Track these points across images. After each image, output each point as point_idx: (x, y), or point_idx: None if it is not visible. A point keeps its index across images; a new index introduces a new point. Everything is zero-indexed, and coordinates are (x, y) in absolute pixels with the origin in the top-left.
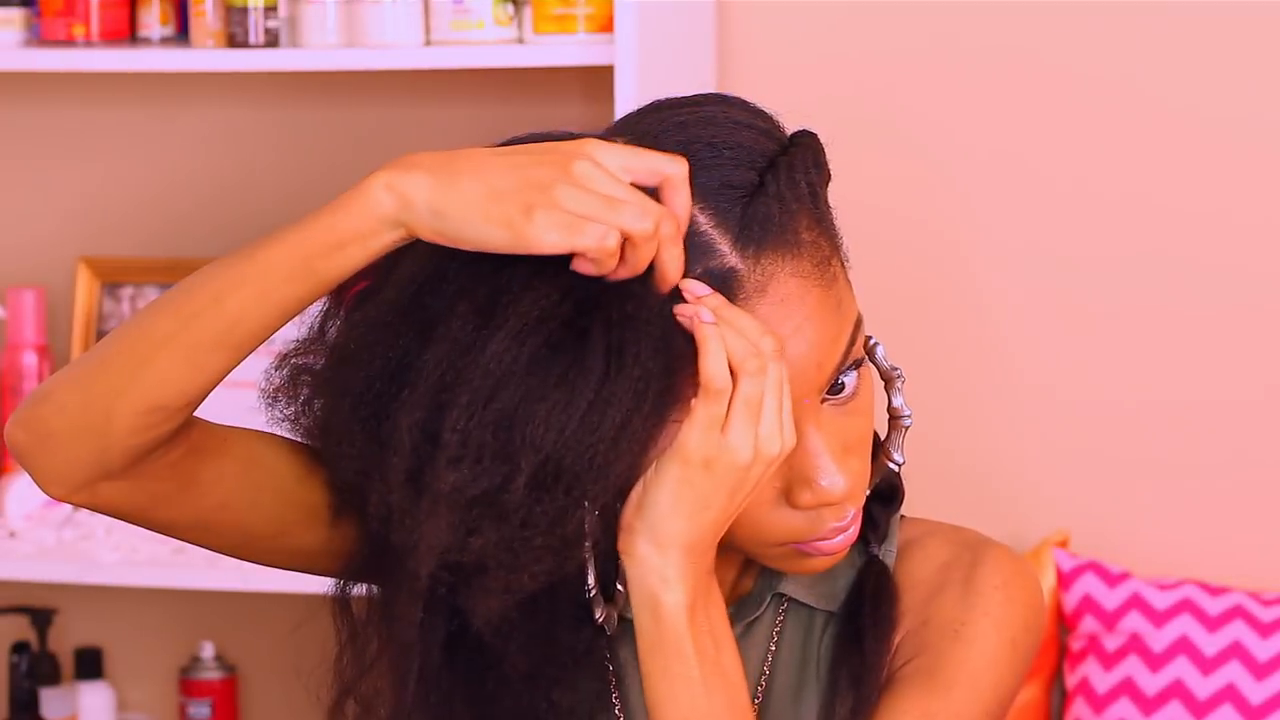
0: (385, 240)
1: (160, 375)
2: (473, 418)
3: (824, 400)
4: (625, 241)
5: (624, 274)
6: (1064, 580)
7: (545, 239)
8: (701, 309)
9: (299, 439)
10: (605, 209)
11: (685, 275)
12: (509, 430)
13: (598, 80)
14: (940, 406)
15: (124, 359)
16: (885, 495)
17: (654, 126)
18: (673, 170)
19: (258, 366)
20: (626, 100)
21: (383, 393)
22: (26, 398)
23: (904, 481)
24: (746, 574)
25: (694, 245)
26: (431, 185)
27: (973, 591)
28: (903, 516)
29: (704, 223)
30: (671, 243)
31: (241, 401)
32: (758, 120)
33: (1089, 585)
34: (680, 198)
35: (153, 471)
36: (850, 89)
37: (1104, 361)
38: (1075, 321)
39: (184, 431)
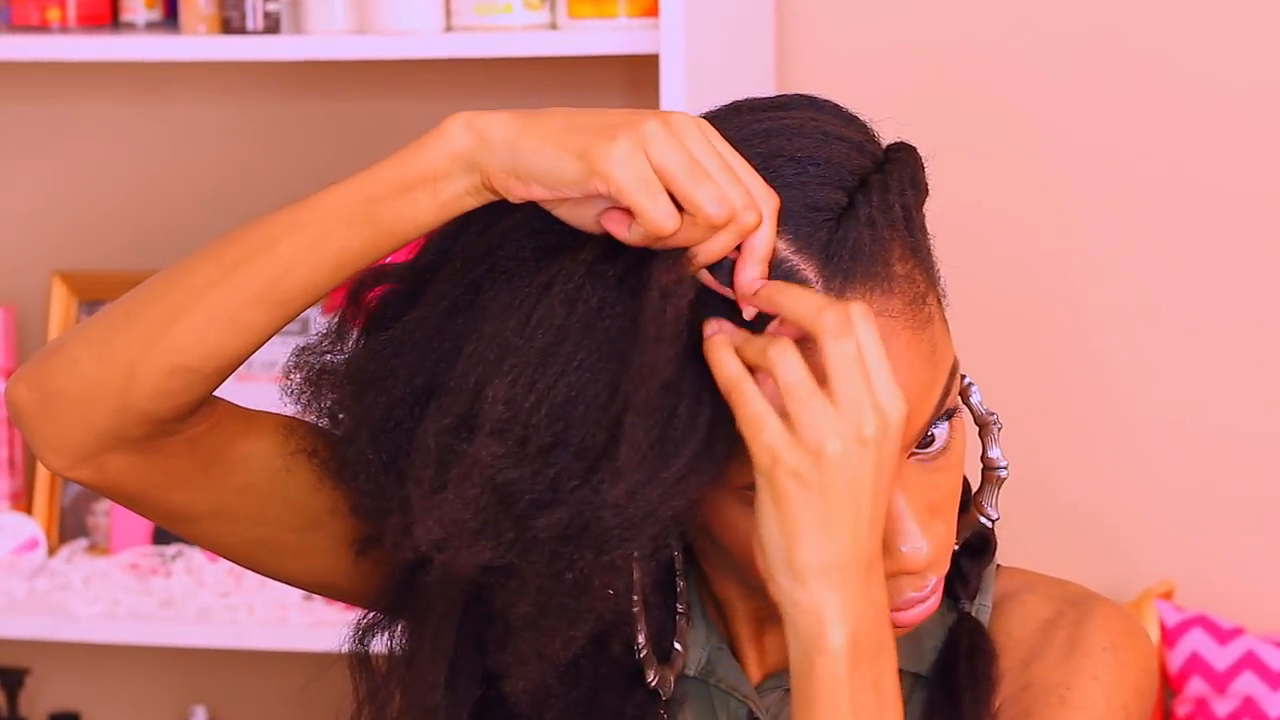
0: (457, 188)
1: (193, 330)
2: (518, 385)
3: (910, 455)
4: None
5: (661, 247)
6: (1169, 637)
7: (617, 171)
8: (707, 323)
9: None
10: (686, 173)
11: None
12: (563, 409)
13: (641, 71)
14: (1030, 439)
15: (154, 309)
16: (975, 548)
17: (732, 134)
18: (764, 197)
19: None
20: (674, 94)
21: (404, 420)
22: (36, 353)
23: (996, 523)
24: None
25: (773, 273)
26: (512, 124)
27: (1079, 653)
28: (998, 566)
29: (783, 248)
30: (736, 237)
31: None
32: (850, 131)
33: (1197, 642)
34: (764, 229)
35: (170, 446)
36: (929, 80)
37: (1216, 391)
38: (1186, 344)
39: (207, 408)
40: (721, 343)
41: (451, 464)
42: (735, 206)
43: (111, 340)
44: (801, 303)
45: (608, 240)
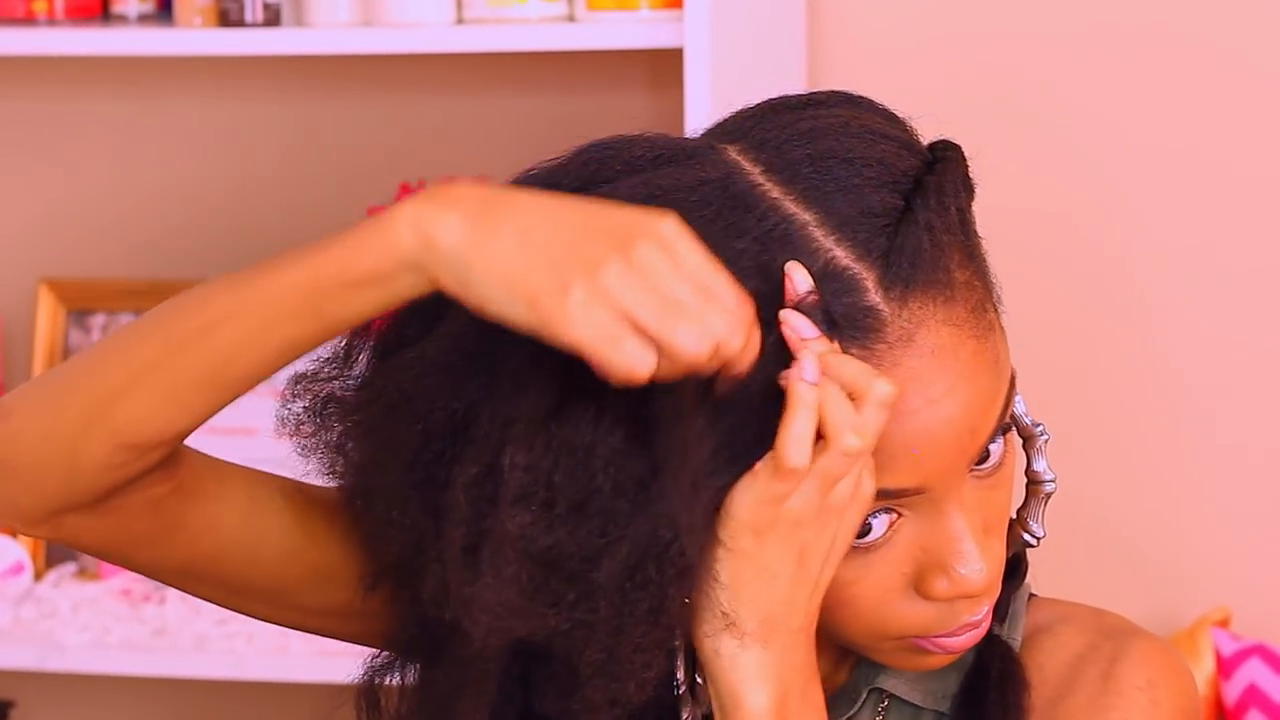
0: (404, 285)
1: (136, 410)
2: (534, 449)
3: (969, 472)
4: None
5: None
6: (1224, 667)
7: (571, 331)
8: (805, 363)
9: (331, 484)
10: (658, 316)
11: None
12: (584, 461)
13: (664, 66)
14: (1075, 454)
15: (96, 386)
16: (1008, 566)
17: (776, 134)
18: (738, 309)
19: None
20: (699, 90)
21: (443, 453)
22: None
23: (1041, 541)
24: (841, 666)
25: (833, 283)
26: (463, 232)
27: (1111, 691)
28: (1032, 595)
29: (843, 256)
30: (721, 363)
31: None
32: (893, 129)
33: (1254, 673)
34: (751, 341)
35: (131, 508)
36: (971, 74)
37: (1276, 405)
38: (1244, 355)
39: (169, 467)
40: (809, 402)
41: (479, 541)
42: (718, 339)
43: (55, 415)
44: (852, 369)
45: None
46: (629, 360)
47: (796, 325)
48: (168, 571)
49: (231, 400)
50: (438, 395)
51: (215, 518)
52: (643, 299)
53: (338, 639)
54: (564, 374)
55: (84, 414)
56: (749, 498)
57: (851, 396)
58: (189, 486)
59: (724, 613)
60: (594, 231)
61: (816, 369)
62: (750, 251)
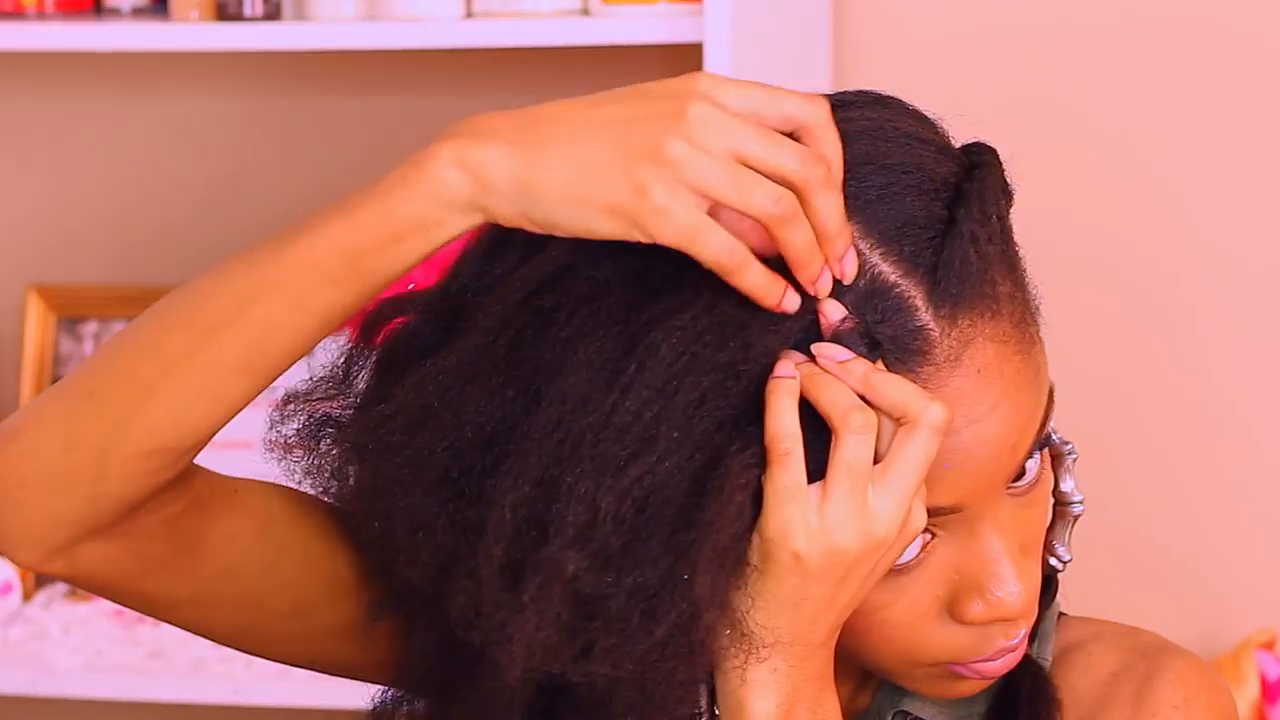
0: (454, 229)
1: (169, 410)
2: (601, 486)
3: (1005, 490)
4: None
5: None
6: (1269, 691)
7: (664, 229)
8: (781, 361)
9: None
10: (731, 187)
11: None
12: (651, 509)
13: (683, 61)
14: (1114, 470)
15: (121, 388)
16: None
17: None
18: (810, 115)
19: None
20: None
21: (473, 467)
22: None
23: (1067, 565)
24: (864, 689)
25: (880, 301)
26: (514, 159)
27: (1145, 711)
28: (1062, 614)
29: (889, 272)
30: (803, 227)
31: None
32: (927, 132)
33: None
34: (827, 145)
35: (147, 529)
36: (1002, 70)
37: None
38: None
39: (185, 481)
40: (787, 390)
41: (521, 562)
42: (794, 179)
43: (77, 425)
44: (902, 391)
45: (703, 300)
46: (719, 248)
47: (829, 353)
48: (179, 602)
49: (266, 385)
50: (466, 409)
51: (232, 528)
52: (713, 172)
53: (336, 673)
54: (650, 422)
55: (112, 419)
56: (775, 510)
57: (901, 420)
58: (203, 500)
59: (744, 628)
60: (639, 119)
61: (792, 365)
62: None
